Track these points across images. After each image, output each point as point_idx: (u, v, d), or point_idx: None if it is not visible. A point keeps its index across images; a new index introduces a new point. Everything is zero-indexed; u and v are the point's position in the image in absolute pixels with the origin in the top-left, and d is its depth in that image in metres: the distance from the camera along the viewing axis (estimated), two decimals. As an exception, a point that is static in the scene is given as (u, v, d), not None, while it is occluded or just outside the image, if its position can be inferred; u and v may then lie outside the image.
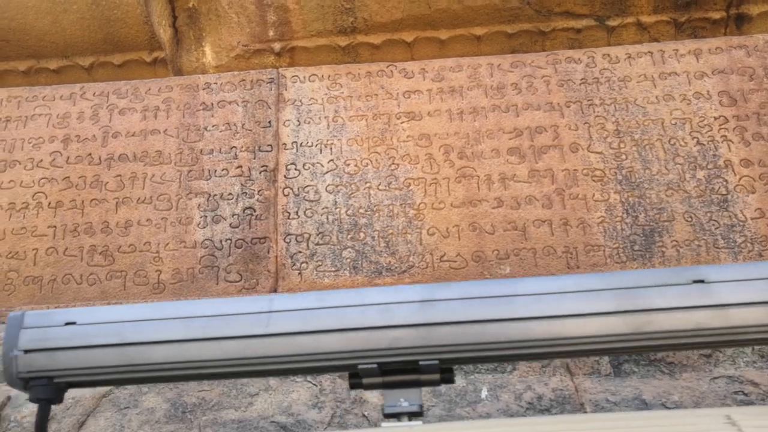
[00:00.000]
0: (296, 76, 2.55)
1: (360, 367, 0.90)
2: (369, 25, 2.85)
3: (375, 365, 0.89)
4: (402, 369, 0.91)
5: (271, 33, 2.93)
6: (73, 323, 0.96)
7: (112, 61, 2.94)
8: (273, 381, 1.74)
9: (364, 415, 1.62)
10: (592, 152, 2.28)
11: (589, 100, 2.38)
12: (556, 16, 2.82)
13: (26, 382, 0.94)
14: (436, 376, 0.92)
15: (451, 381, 0.96)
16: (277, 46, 2.92)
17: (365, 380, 0.91)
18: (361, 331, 0.89)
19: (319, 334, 0.89)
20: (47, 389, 0.94)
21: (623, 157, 2.26)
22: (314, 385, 1.72)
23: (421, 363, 0.91)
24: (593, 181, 2.23)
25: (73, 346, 0.93)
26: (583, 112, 2.37)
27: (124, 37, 2.88)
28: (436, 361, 0.91)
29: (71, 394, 1.70)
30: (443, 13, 2.80)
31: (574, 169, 2.28)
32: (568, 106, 2.39)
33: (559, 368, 1.71)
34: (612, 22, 2.80)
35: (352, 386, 0.93)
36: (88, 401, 1.73)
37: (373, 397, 1.67)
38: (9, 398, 1.68)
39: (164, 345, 0.91)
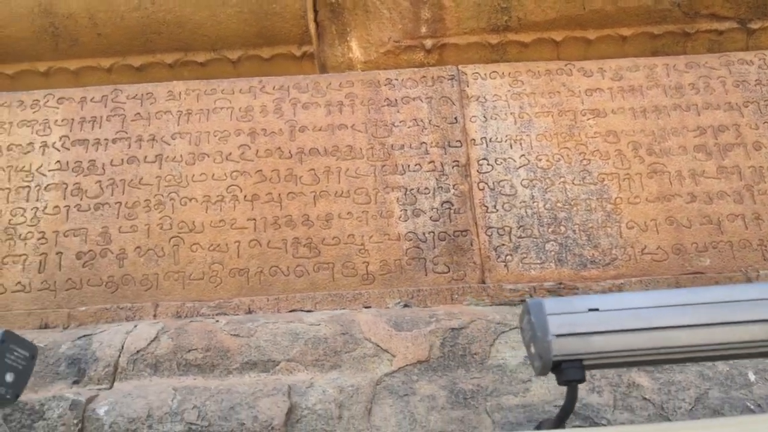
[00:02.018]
0: (477, 73, 2.61)
1: None
2: (522, 24, 2.92)
3: None
4: None
5: (423, 29, 2.98)
6: (596, 309, 1.02)
7: (261, 54, 2.96)
8: (541, 368, 1.82)
9: (644, 398, 1.71)
10: (774, 150, 2.40)
11: (765, 101, 2.49)
12: (701, 18, 2.92)
13: (556, 365, 1.00)
14: None
15: None
16: (428, 42, 2.97)
17: None
18: None
19: None
20: (577, 371, 1.00)
21: (806, 155, 2.37)
22: (583, 371, 1.80)
23: None
24: (779, 177, 2.35)
25: (599, 330, 1.00)
26: (761, 112, 2.48)
27: (279, 30, 2.90)
28: None
29: (349, 382, 1.77)
30: (596, 14, 2.88)
31: (760, 166, 2.39)
32: (746, 106, 2.50)
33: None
34: (753, 25, 2.91)
35: None
36: (366, 389, 1.79)
37: (644, 380, 1.76)
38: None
39: (688, 329, 0.99)
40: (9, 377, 1.07)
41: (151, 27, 2.86)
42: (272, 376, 1.85)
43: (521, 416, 1.66)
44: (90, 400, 1.72)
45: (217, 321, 2.01)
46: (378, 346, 1.89)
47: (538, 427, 1.42)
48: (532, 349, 1.02)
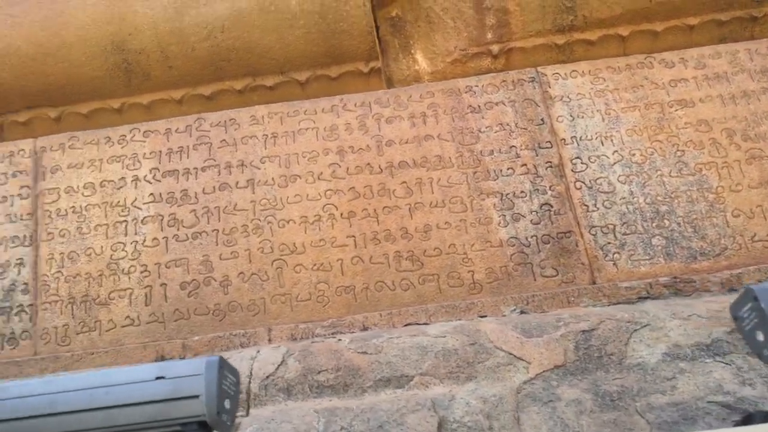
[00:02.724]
0: (557, 73, 2.61)
1: None
2: (587, 22, 2.90)
3: None
4: None
5: (489, 36, 2.98)
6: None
7: (329, 74, 2.97)
8: (683, 364, 1.79)
9: None
10: None
11: None
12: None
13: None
14: None
15: None
16: (495, 48, 2.97)
17: None
18: None
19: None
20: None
21: None
22: (726, 364, 1.77)
23: None
24: None
25: None
26: None
27: (346, 48, 2.91)
28: None
29: (490, 392, 1.75)
30: (661, 6, 2.86)
31: None
32: (834, 83, 2.47)
33: None
34: (820, 4, 2.88)
35: None
36: (509, 398, 1.77)
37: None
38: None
39: None
40: (227, 404, 1.07)
41: (220, 55, 2.88)
42: (408, 391, 1.84)
43: (675, 415, 1.64)
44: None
45: (340, 340, 2.01)
46: (511, 354, 1.87)
47: (744, 422, 1.40)
48: (760, 337, 1.00)
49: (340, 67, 2.94)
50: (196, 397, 1.02)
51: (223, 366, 1.07)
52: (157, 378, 1.03)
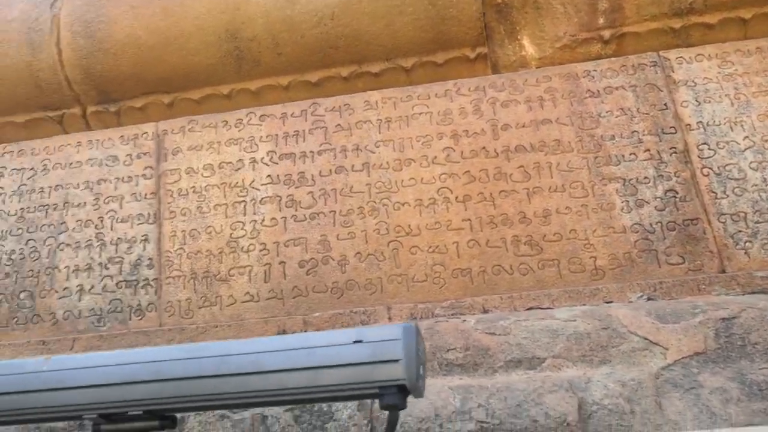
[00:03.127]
0: (681, 57, 2.52)
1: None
2: (707, 5, 2.79)
3: None
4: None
5: (600, 21, 2.90)
6: None
7: (435, 60, 2.96)
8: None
9: None
10: None
11: None
12: None
13: None
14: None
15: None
16: (606, 33, 2.89)
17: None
18: None
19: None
20: None
21: None
22: None
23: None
24: None
25: None
26: None
27: (454, 35, 2.90)
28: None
29: (627, 376, 1.71)
30: (789, -14, 2.72)
31: None
32: None
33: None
34: None
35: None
36: (648, 383, 1.73)
37: None
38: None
39: None
40: (421, 370, 1.08)
41: (329, 42, 2.93)
42: (540, 373, 1.82)
43: (835, 407, 1.56)
44: (373, 401, 1.75)
45: (465, 320, 2.01)
46: (646, 339, 1.83)
47: None
48: None
49: (446, 53, 2.94)
50: (396, 361, 1.04)
51: (418, 333, 1.09)
52: (355, 342, 1.06)
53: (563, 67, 2.61)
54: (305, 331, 2.28)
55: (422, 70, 2.96)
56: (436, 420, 1.68)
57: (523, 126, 2.51)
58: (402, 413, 1.64)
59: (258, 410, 1.77)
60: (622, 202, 2.31)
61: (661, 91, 2.47)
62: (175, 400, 1.09)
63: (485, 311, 2.18)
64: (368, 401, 1.74)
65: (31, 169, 2.88)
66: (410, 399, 1.61)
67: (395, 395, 1.04)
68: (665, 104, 2.45)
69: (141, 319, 2.52)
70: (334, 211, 2.50)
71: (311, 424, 1.74)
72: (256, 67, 3.00)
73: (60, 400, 1.11)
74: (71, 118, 3.12)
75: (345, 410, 1.73)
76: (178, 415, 1.28)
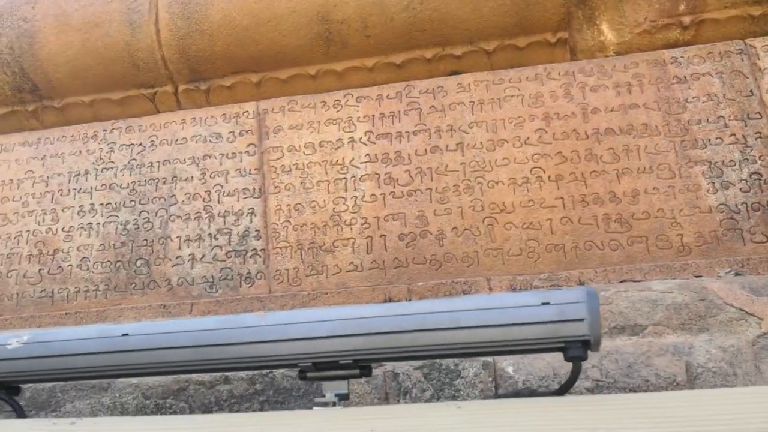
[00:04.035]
0: (766, 45, 2.63)
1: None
2: (793, -10, 2.87)
3: None
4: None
5: (681, 7, 3.00)
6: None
7: (516, 44, 3.09)
8: None
9: None
10: None
11: None
12: None
13: None
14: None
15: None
16: (686, 19, 2.99)
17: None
18: None
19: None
20: None
21: None
22: None
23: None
24: None
25: None
26: None
27: (538, 19, 3.02)
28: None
29: (727, 343, 1.89)
30: None
31: None
32: None
33: None
34: None
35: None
36: (745, 349, 1.91)
37: None
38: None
39: None
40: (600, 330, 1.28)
41: (416, 25, 3.07)
42: (643, 339, 2.01)
43: None
44: (496, 360, 1.96)
45: (567, 291, 2.20)
46: (742, 310, 2.00)
47: None
48: None
49: (528, 37, 3.06)
50: (581, 320, 1.24)
51: (598, 297, 1.28)
52: (543, 304, 1.26)
53: (650, 53, 2.74)
54: (409, 300, 2.49)
55: (503, 53, 3.10)
56: (555, 378, 1.88)
57: (612, 110, 2.65)
58: (524, 371, 1.85)
59: (389, 367, 1.99)
60: (708, 184, 2.47)
61: (747, 78, 2.60)
62: (381, 351, 1.30)
63: (581, 283, 2.37)
64: (490, 360, 1.95)
65: (140, 144, 3.09)
66: (525, 359, 1.81)
67: (579, 348, 1.24)
68: (751, 90, 2.57)
69: (251, 286, 2.75)
70: (431, 189, 2.69)
71: (440, 381, 1.96)
72: (344, 48, 3.16)
73: (279, 350, 1.32)
74: (163, 96, 3.30)
75: (471, 368, 1.94)
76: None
